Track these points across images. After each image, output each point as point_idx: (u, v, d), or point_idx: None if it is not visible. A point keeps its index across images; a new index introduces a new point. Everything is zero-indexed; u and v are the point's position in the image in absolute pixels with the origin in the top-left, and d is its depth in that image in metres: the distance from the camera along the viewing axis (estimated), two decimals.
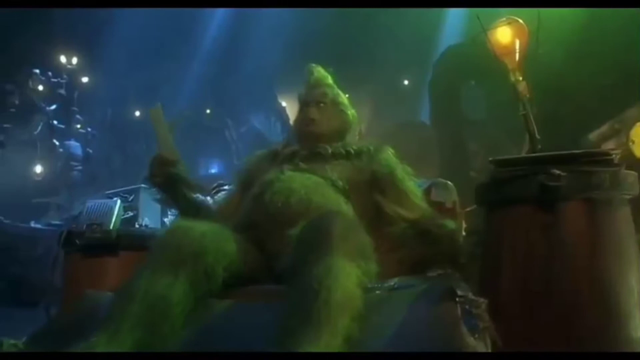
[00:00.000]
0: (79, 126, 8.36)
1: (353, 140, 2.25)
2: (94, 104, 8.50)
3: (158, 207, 2.73)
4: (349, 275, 1.31)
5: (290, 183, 1.88)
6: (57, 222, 6.30)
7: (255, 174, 2.08)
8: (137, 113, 12.63)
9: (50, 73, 7.44)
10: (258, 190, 1.93)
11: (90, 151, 7.74)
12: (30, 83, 7.16)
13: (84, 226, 2.16)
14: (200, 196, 2.16)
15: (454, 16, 8.75)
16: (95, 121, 9.17)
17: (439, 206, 2.19)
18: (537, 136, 2.62)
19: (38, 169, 7.37)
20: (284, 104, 13.53)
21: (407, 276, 1.62)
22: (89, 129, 7.92)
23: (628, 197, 1.65)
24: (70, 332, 1.39)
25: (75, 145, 7.56)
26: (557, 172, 1.52)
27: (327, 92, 2.25)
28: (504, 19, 2.62)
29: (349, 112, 2.29)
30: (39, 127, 7.37)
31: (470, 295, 1.28)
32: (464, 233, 2.14)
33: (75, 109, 7.74)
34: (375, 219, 1.99)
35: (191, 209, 2.09)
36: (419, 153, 10.17)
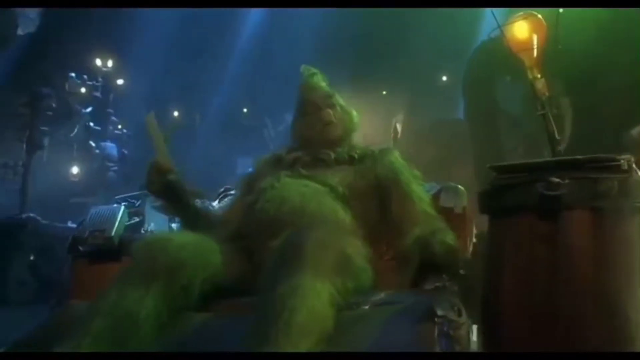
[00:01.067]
0: (119, 127, 8.55)
1: (357, 143, 2.18)
2: (130, 106, 8.66)
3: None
4: (319, 295, 1.24)
5: (284, 191, 1.82)
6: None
7: (258, 180, 2.04)
8: (176, 113, 12.85)
9: (85, 76, 7.61)
10: (252, 198, 1.88)
11: (126, 152, 7.89)
12: (67, 86, 7.34)
13: (87, 232, 2.15)
14: (200, 202, 2.12)
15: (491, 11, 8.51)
16: (132, 122, 9.35)
17: (448, 212, 2.10)
18: (557, 137, 2.50)
19: (75, 170, 7.55)
20: None
21: (397, 290, 1.54)
22: (124, 130, 8.06)
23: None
24: (48, 342, 1.37)
25: (111, 146, 7.72)
26: (557, 180, 1.41)
27: (331, 94, 2.18)
28: (521, 13, 2.50)
29: (353, 114, 2.21)
30: (76, 129, 7.55)
31: (451, 316, 1.19)
32: (474, 239, 2.04)
33: (110, 110, 7.90)
34: (379, 225, 1.91)
35: (191, 216, 2.06)
36: (455, 150, 9.97)
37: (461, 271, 1.73)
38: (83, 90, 7.52)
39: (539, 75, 2.41)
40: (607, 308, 1.43)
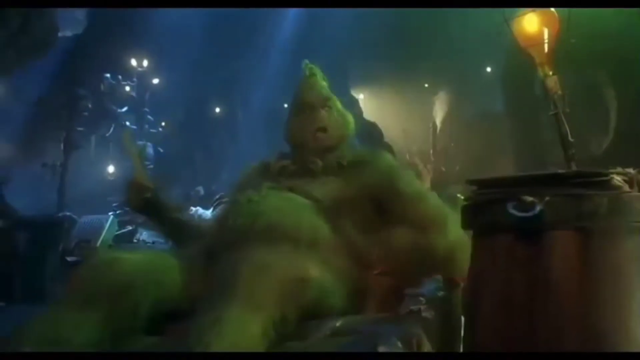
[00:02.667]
0: (154, 126, 8.66)
1: (348, 149, 2.08)
2: (166, 104, 8.77)
3: None
4: (245, 327, 1.14)
5: (261, 205, 1.72)
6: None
7: (241, 191, 1.95)
8: (217, 109, 12.96)
9: (120, 77, 7.74)
10: (223, 213, 1.80)
11: (162, 150, 7.99)
12: (102, 87, 7.48)
13: (74, 243, 2.12)
14: (182, 216, 2.08)
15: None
16: (169, 120, 9.48)
17: None
18: (571, 139, 2.30)
19: (111, 169, 7.70)
20: (361, 95, 13.33)
21: (358, 317, 1.42)
22: (160, 129, 8.17)
23: (637, 224, 1.34)
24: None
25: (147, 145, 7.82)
26: (530, 198, 1.25)
27: (329, 96, 2.09)
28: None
29: (349, 118, 2.12)
30: (112, 129, 7.69)
31: (396, 351, 1.07)
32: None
33: (146, 109, 8.01)
34: (370, 236, 1.80)
35: (174, 230, 2.02)
36: (495, 145, 9.62)
37: (439, 293, 1.61)
38: (118, 90, 7.65)
39: (550, 73, 2.21)
40: (593, 344, 1.27)
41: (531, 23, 2.26)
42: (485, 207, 1.42)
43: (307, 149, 1.98)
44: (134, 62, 7.93)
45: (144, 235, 2.58)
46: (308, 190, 1.83)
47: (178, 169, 9.50)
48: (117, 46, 7.99)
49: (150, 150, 7.79)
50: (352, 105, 12.30)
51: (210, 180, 9.83)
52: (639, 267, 1.32)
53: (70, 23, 9.35)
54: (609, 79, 6.15)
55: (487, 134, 9.86)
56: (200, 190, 9.43)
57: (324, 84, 2.12)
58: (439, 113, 12.49)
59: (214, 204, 2.47)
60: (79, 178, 7.02)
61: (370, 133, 12.13)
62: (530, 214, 1.22)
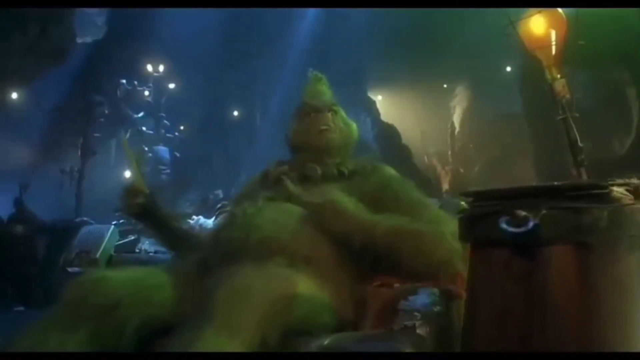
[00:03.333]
0: (181, 129, 8.69)
1: (349, 158, 2.04)
2: (182, 109, 8.81)
3: None
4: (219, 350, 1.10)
5: (255, 218, 1.68)
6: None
7: (240, 203, 1.92)
8: (235, 112, 13.00)
9: (136, 82, 7.79)
10: (219, 225, 1.78)
11: (178, 154, 8.02)
12: (118, 93, 7.54)
13: (74, 253, 2.11)
14: (179, 225, 2.06)
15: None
16: (187, 124, 9.51)
17: None
18: (580, 144, 2.22)
19: (127, 173, 7.75)
20: (378, 97, 13.25)
21: (348, 334, 1.38)
22: (176, 133, 8.21)
23: None
24: None
25: (163, 150, 7.87)
26: (523, 213, 1.19)
27: (334, 102, 2.08)
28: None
29: (353, 126, 2.10)
30: (128, 134, 7.74)
31: None
32: None
33: (162, 114, 8.06)
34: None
35: (172, 238, 2.01)
36: (515, 147, 9.47)
37: (436, 308, 1.55)
38: (134, 96, 7.71)
39: (558, 76, 2.14)
40: None
41: (538, 25, 2.19)
42: (481, 220, 1.36)
43: (310, 148, 1.96)
44: (149, 67, 7.99)
45: (145, 244, 2.56)
46: (305, 199, 1.79)
47: (197, 172, 9.53)
48: (134, 52, 8.06)
49: (166, 154, 7.83)
50: (370, 107, 12.22)
51: (229, 183, 9.86)
52: None
53: (88, 29, 9.46)
54: (630, 78, 5.99)
55: (506, 134, 9.70)
56: (219, 193, 9.45)
57: (329, 92, 2.11)
58: (457, 114, 12.35)
59: (216, 213, 2.44)
60: (96, 183, 7.08)
61: (388, 135, 12.06)
62: (522, 229, 1.15)
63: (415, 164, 10.86)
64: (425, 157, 11.68)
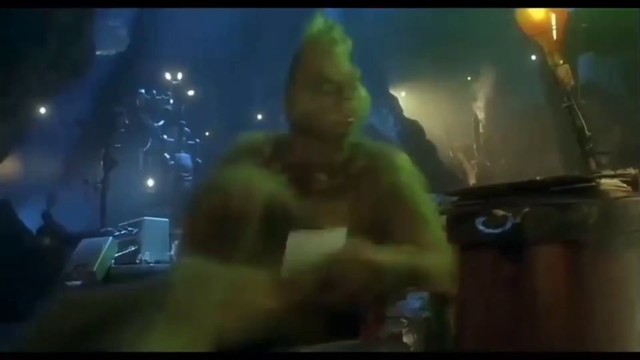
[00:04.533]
0: (206, 135, 8.73)
1: (358, 144, 1.63)
2: (203, 115, 8.85)
3: (162, 240, 2.65)
4: (163, 338, 1.06)
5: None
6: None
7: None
8: (260, 116, 13.03)
9: (154, 91, 7.85)
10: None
11: (200, 161, 8.05)
12: (137, 103, 7.61)
13: (72, 267, 2.10)
14: None
15: None
16: (212, 130, 9.55)
17: None
18: (588, 132, 2.10)
19: (150, 182, 7.82)
20: (402, 93, 13.08)
21: (328, 344, 1.31)
22: (197, 140, 8.24)
23: (638, 234, 1.17)
24: None
25: (185, 157, 7.91)
26: (501, 213, 1.11)
27: (357, 71, 1.59)
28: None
29: (367, 101, 1.65)
30: (149, 143, 7.80)
31: None
32: None
33: (183, 122, 8.10)
34: None
35: None
36: (541, 137, 9.20)
37: (424, 314, 1.47)
38: (153, 105, 7.77)
39: (561, 62, 2.02)
40: None
41: (537, 9, 2.07)
42: (464, 220, 1.28)
43: (321, 136, 1.57)
44: (168, 75, 8.05)
45: (146, 255, 2.54)
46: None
47: None
48: (152, 61, 8.12)
49: (188, 161, 7.87)
50: (392, 104, 12.06)
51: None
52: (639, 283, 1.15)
53: (111, 41, 9.60)
54: None
55: (532, 125, 9.43)
56: None
57: (346, 43, 1.62)
58: (481, 107, 12.08)
59: None
60: (120, 193, 7.17)
61: (412, 131, 11.90)
62: (500, 230, 1.07)
63: (441, 159, 10.64)
64: (451, 152, 11.44)
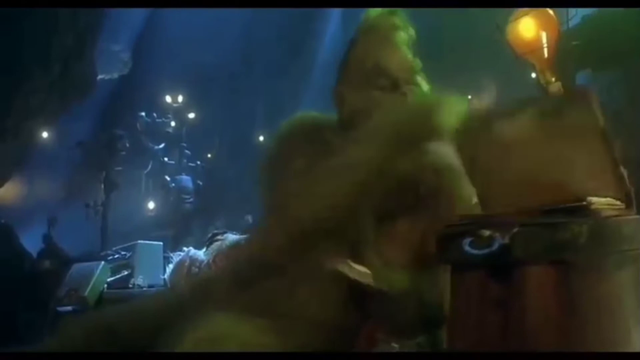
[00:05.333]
0: (208, 156, 8.76)
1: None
2: (204, 137, 8.88)
3: (156, 263, 2.63)
4: None
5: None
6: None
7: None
8: (261, 137, 13.05)
9: (155, 114, 7.91)
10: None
11: (201, 183, 8.06)
12: (138, 125, 7.65)
13: (64, 291, 2.09)
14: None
15: None
16: (214, 151, 9.59)
17: None
18: None
19: (151, 205, 7.83)
20: None
21: None
22: (198, 162, 8.27)
23: (635, 252, 1.14)
24: None
25: (186, 179, 7.92)
26: (487, 233, 1.08)
27: (418, 63, 1.47)
28: (526, 8, 2.10)
29: (424, 92, 1.51)
30: (150, 166, 7.83)
31: None
32: None
33: (184, 144, 8.13)
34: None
35: None
36: None
37: (418, 341, 1.44)
38: (154, 128, 7.82)
39: (553, 79, 2.01)
40: None
41: (527, 27, 2.08)
42: (453, 240, 1.25)
43: None
44: (169, 98, 8.11)
45: (139, 279, 2.52)
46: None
47: (224, 199, 9.54)
48: (153, 84, 8.19)
49: (189, 183, 7.87)
50: None
51: (258, 208, 9.80)
52: (635, 303, 1.12)
53: (114, 65, 9.69)
54: None
55: None
56: (249, 218, 9.43)
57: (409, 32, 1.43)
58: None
59: (207, 243, 2.39)
60: (120, 216, 7.16)
61: None
62: (486, 251, 1.04)
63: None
64: None
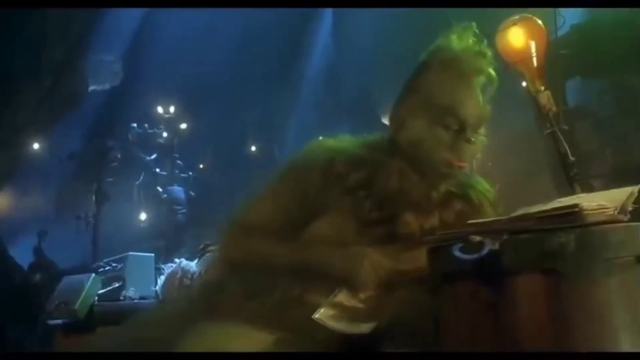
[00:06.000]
0: (200, 167, 8.73)
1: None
2: (196, 147, 8.87)
3: (147, 275, 2.61)
4: None
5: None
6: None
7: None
8: (253, 148, 13.05)
9: (146, 125, 7.90)
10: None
11: (193, 194, 8.04)
12: (130, 137, 7.64)
13: (54, 305, 2.07)
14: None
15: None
16: (206, 162, 9.56)
17: None
18: (572, 158, 2.10)
19: (143, 216, 7.79)
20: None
21: None
22: (190, 173, 8.24)
23: (623, 260, 1.15)
24: None
25: (178, 190, 7.90)
26: (477, 239, 1.09)
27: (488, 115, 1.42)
28: (515, 17, 2.13)
29: (483, 139, 1.45)
30: (141, 177, 7.80)
31: None
32: None
33: (176, 155, 8.11)
34: None
35: None
36: (534, 162, 9.21)
37: None
38: (145, 139, 7.81)
39: (542, 88, 2.03)
40: None
41: (516, 37, 2.10)
42: (444, 248, 1.25)
43: (421, 169, 1.37)
44: (160, 109, 8.10)
45: (130, 291, 2.50)
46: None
47: (217, 209, 9.51)
48: (145, 95, 8.19)
49: (181, 194, 7.85)
50: (385, 133, 12.14)
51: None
52: (624, 311, 1.12)
53: (105, 76, 9.68)
54: None
55: (525, 151, 9.47)
56: None
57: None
58: None
59: (199, 254, 2.37)
60: (112, 227, 7.13)
61: None
62: (475, 256, 1.05)
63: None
64: None
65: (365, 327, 1.24)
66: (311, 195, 1.33)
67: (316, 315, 1.18)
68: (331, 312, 1.21)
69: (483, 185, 1.48)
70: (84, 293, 2.11)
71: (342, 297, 1.26)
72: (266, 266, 1.30)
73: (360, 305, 1.27)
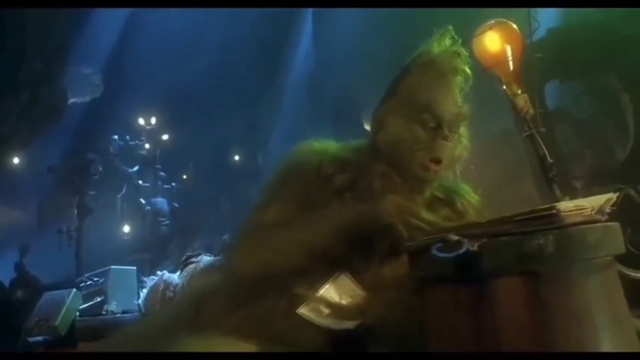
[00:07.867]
0: (184, 177, 8.68)
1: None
2: (179, 158, 8.83)
3: (129, 289, 2.59)
4: None
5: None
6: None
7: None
8: (237, 157, 13.01)
9: (128, 137, 7.85)
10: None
11: (177, 205, 7.99)
12: (111, 149, 7.58)
13: (34, 322, 2.03)
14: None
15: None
16: (190, 173, 9.52)
17: None
18: (550, 160, 2.12)
19: (126, 228, 7.73)
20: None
21: None
22: (174, 184, 8.20)
23: (602, 259, 1.15)
24: None
25: (161, 202, 7.86)
26: (455, 237, 1.09)
27: (467, 113, 1.46)
28: (492, 21, 2.15)
29: (463, 141, 1.50)
30: (124, 189, 7.75)
31: None
32: None
33: (158, 166, 8.07)
34: None
35: None
36: (517, 165, 9.29)
37: None
38: (127, 151, 7.76)
39: (519, 91, 2.05)
40: None
41: (492, 41, 2.12)
42: (424, 252, 1.26)
43: (404, 172, 1.40)
44: (142, 120, 8.05)
45: (112, 306, 2.46)
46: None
47: (201, 220, 9.47)
48: (126, 107, 8.15)
49: (164, 206, 7.80)
50: (367, 138, 12.20)
51: (236, 227, 9.73)
52: (603, 310, 1.13)
53: (86, 88, 9.62)
54: (622, 84, 5.91)
55: (507, 154, 9.56)
56: (227, 238, 9.36)
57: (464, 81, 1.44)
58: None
59: (181, 266, 2.35)
60: (95, 241, 7.06)
61: None
62: (453, 254, 1.05)
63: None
64: None
65: (349, 324, 1.24)
66: (311, 195, 1.36)
67: (300, 310, 1.18)
68: (316, 307, 1.21)
69: (469, 193, 1.52)
70: (64, 309, 2.08)
71: (331, 290, 1.26)
72: (279, 266, 1.29)
73: (344, 302, 1.27)
